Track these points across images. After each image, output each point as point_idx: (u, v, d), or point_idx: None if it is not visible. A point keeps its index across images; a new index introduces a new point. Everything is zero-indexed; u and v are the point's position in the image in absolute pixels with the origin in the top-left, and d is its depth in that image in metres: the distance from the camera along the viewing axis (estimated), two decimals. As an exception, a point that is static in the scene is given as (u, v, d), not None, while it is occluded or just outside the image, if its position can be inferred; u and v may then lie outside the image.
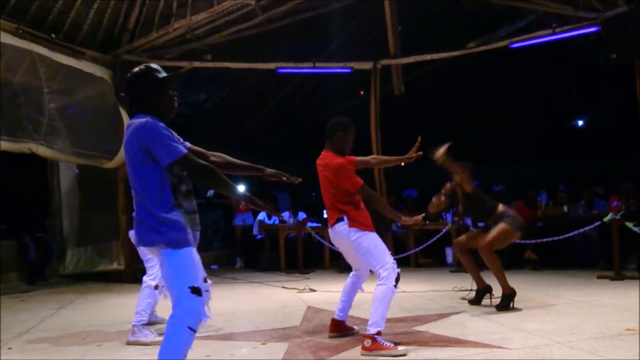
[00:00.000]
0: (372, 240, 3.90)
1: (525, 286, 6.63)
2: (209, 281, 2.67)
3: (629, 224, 6.81)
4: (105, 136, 8.30)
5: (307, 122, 14.23)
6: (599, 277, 7.01)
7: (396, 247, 9.40)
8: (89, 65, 8.29)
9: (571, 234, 7.32)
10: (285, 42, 11.00)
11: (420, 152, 4.32)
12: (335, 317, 4.23)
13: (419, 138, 4.35)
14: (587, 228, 7.23)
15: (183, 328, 2.49)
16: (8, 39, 6.98)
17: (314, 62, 9.84)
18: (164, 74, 2.74)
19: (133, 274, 8.51)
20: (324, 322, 4.60)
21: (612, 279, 6.82)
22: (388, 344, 3.63)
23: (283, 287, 7.34)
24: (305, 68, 9.93)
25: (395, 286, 3.76)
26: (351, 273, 4.28)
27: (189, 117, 12.73)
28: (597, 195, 9.57)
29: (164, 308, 4.91)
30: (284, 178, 3.15)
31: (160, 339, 4.09)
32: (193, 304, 2.49)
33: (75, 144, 7.90)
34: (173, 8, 8.59)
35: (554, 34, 8.51)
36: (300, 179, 3.21)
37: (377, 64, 9.79)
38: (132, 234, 4.45)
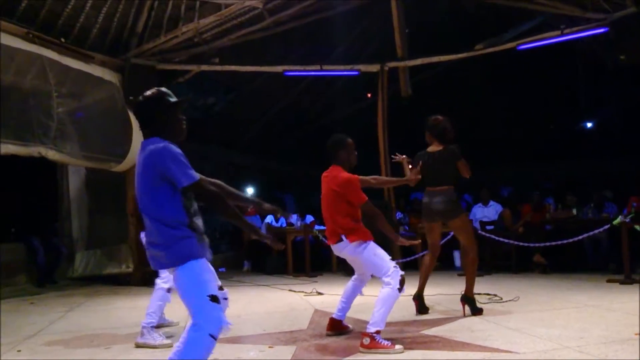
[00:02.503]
0: (371, 250, 4.09)
1: (533, 290, 6.61)
2: (225, 290, 2.76)
3: (638, 227, 6.77)
4: (114, 139, 8.34)
5: (315, 125, 14.26)
6: (609, 281, 6.96)
7: (403, 250, 9.39)
8: (98, 69, 8.34)
9: (580, 237, 7.27)
10: (292, 45, 11.03)
11: (419, 176, 4.85)
12: (334, 316, 4.43)
13: (420, 163, 4.98)
14: (596, 231, 7.18)
15: (205, 336, 2.54)
16: (18, 43, 7.03)
17: (321, 65, 9.85)
18: (175, 99, 2.82)
19: (142, 276, 8.54)
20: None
21: (622, 282, 6.77)
22: (386, 342, 3.78)
23: (290, 290, 7.34)
24: (312, 71, 9.94)
25: (400, 290, 3.90)
26: (354, 276, 4.48)
27: (198, 120, 12.77)
28: (606, 198, 9.52)
29: (171, 311, 4.95)
30: (279, 215, 3.21)
31: (169, 342, 4.14)
32: (214, 312, 2.56)
33: (84, 147, 7.95)
34: (181, 12, 8.63)
35: (562, 35, 8.48)
36: (294, 216, 3.31)
37: (384, 66, 9.79)
38: (143, 235, 4.49)
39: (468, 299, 5.11)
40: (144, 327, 4.27)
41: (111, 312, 6.12)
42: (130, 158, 8.28)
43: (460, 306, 5.14)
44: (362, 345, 3.81)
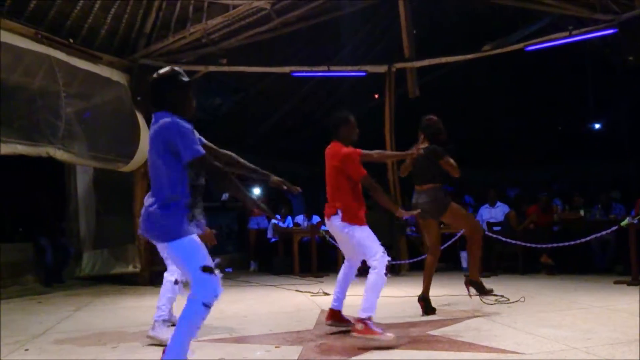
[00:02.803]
0: (364, 232, 4.21)
1: (540, 291, 6.59)
2: (218, 271, 2.90)
3: (647, 229, 6.74)
4: (122, 140, 8.38)
5: (322, 126, 14.23)
6: (616, 282, 6.93)
7: (410, 251, 9.39)
8: (106, 69, 8.37)
9: (588, 238, 7.24)
10: (299, 45, 11.04)
11: (421, 151, 4.97)
12: (332, 307, 4.54)
13: (420, 140, 5.12)
14: (604, 232, 7.15)
15: (199, 304, 2.74)
16: (27, 43, 7.07)
17: (329, 66, 9.87)
18: (187, 78, 3.01)
19: (149, 276, 8.58)
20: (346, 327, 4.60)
21: (629, 284, 6.73)
22: (378, 330, 3.93)
23: (297, 291, 7.34)
24: (319, 71, 9.96)
25: (386, 274, 4.05)
26: (343, 264, 4.59)
27: (205, 121, 12.79)
28: (613, 199, 9.48)
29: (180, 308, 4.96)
30: (285, 187, 3.43)
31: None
32: (208, 281, 2.77)
33: (92, 147, 7.98)
34: (189, 13, 8.66)
35: (570, 36, 8.44)
36: (299, 189, 3.50)
37: (391, 67, 9.79)
38: None
39: (473, 282, 5.15)
40: (155, 321, 4.33)
41: (118, 312, 6.14)
42: (137, 158, 8.31)
43: (467, 292, 5.23)
44: (355, 330, 3.97)
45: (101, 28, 8.28)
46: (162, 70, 3.00)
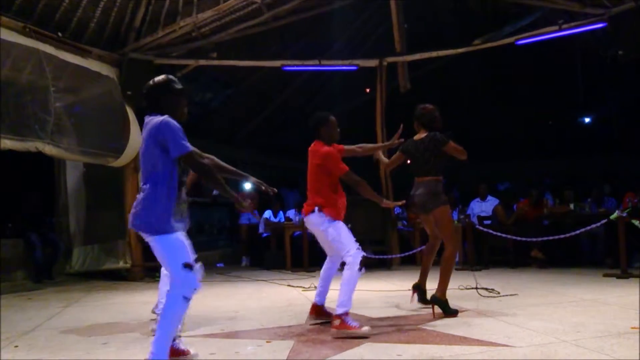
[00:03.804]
0: (339, 229, 4.33)
1: (531, 284, 6.63)
2: (200, 263, 3.11)
3: (635, 222, 6.78)
4: (112, 134, 8.33)
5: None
6: (605, 276, 6.99)
7: (402, 245, 9.41)
8: (96, 63, 8.32)
9: (577, 232, 7.29)
10: (290, 40, 11.01)
11: (402, 139, 4.94)
12: (315, 301, 4.68)
13: (402, 125, 4.96)
14: (593, 226, 7.19)
15: (179, 297, 2.99)
16: (15, 37, 7.01)
17: (320, 60, 9.84)
18: (180, 86, 3.27)
19: (139, 272, 8.54)
20: (329, 320, 4.60)
21: (619, 277, 6.79)
22: (354, 324, 4.05)
23: (289, 286, 7.34)
24: (310, 65, 9.93)
25: (360, 269, 4.17)
26: (326, 261, 4.70)
27: (195, 115, 12.74)
28: (604, 193, 9.54)
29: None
30: (262, 187, 3.73)
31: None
32: (187, 277, 3.00)
33: (82, 142, 7.93)
34: (179, 6, 8.61)
35: (560, 30, 8.47)
36: (275, 190, 3.80)
37: (382, 61, 9.79)
38: None
39: (439, 300, 4.82)
40: (158, 315, 4.31)
41: (109, 308, 6.11)
42: (127, 153, 8.27)
43: (430, 307, 4.88)
44: (333, 326, 4.08)
45: (90, 22, 8.21)
46: (157, 78, 3.24)
